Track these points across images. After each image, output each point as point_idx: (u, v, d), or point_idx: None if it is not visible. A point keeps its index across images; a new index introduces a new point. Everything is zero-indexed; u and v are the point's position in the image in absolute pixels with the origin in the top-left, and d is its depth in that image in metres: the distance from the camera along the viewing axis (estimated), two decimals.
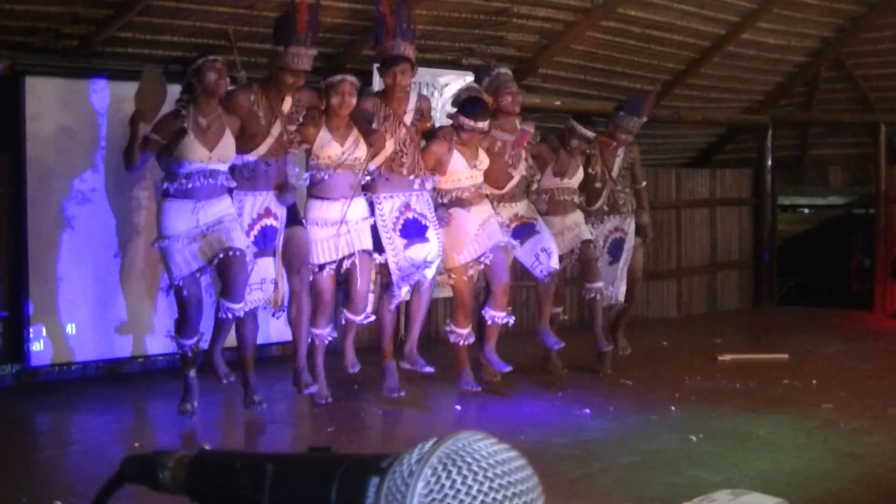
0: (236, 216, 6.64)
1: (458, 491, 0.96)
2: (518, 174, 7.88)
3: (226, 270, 6.48)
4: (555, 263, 7.85)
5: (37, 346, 7.71)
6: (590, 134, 8.16)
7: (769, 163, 13.27)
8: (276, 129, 6.77)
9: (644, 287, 10.57)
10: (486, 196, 7.72)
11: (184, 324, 6.65)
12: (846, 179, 13.40)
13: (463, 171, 7.48)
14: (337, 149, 7.01)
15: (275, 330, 8.26)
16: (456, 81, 9.60)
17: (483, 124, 7.34)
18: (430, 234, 7.33)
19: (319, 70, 9.11)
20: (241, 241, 6.55)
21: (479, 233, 7.48)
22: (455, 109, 7.50)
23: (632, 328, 8.78)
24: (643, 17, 10.13)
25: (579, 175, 8.27)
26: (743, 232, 13.32)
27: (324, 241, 7.03)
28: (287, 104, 6.85)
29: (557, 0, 9.49)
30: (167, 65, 8.21)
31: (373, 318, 7.35)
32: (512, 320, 7.73)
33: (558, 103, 10.61)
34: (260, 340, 7.38)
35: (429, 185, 7.41)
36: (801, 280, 14.84)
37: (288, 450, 6.36)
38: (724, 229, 13.09)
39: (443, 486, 0.97)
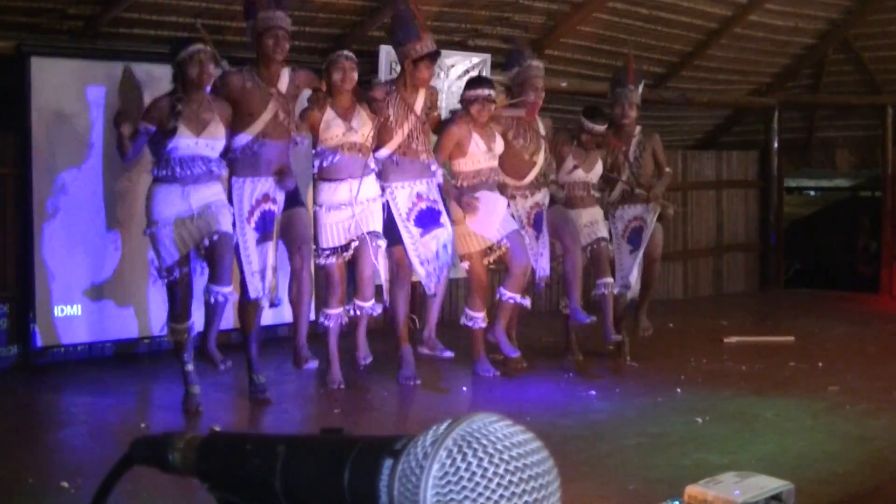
0: (225, 201, 6.62)
1: (474, 473, 0.95)
2: (540, 162, 7.86)
3: (212, 254, 6.46)
4: (543, 272, 7.95)
5: (42, 328, 7.71)
6: (598, 127, 8.04)
7: (776, 145, 13.24)
8: (271, 107, 6.76)
9: None
10: (507, 186, 7.78)
11: (175, 308, 6.63)
12: (853, 162, 13.39)
13: (482, 154, 7.51)
14: (341, 127, 7.04)
15: (281, 311, 8.24)
16: (462, 62, 9.58)
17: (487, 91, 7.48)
18: (444, 218, 7.44)
19: (325, 51, 9.10)
20: (228, 224, 6.53)
21: (495, 220, 7.53)
22: (465, 91, 7.62)
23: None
24: None
25: (598, 169, 8.22)
26: (749, 214, 13.31)
27: (334, 225, 7.07)
28: (283, 82, 6.86)
29: None
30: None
31: (379, 308, 7.40)
32: (528, 303, 7.78)
33: (565, 85, 10.57)
34: (268, 322, 7.39)
35: (438, 176, 7.44)
36: (808, 262, 14.83)
37: (294, 431, 6.36)
38: (731, 211, 13.08)
39: (458, 468, 0.96)
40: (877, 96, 12.49)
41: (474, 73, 9.55)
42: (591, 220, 8.23)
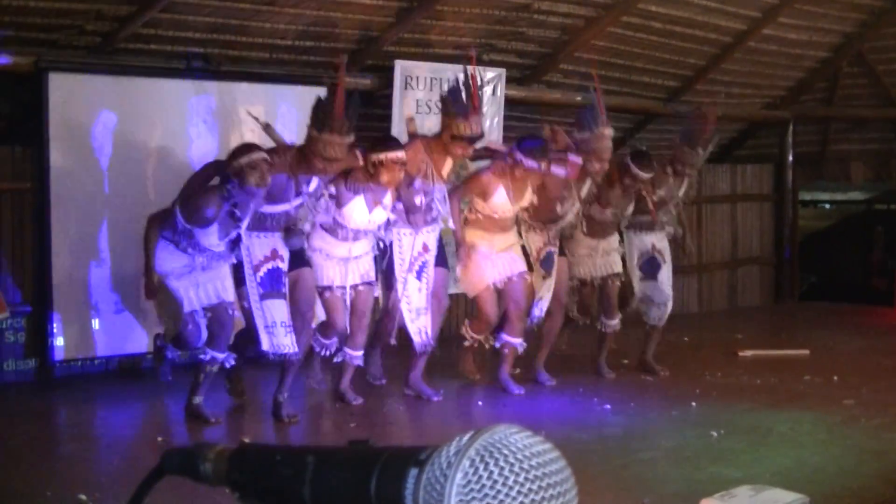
0: (226, 258, 6.63)
1: (496, 482, 0.99)
2: (568, 217, 7.81)
3: (214, 321, 6.57)
4: (539, 312, 7.83)
5: (60, 341, 7.77)
6: (645, 176, 7.92)
7: (790, 158, 13.24)
8: (297, 201, 6.73)
9: None
10: (523, 222, 7.76)
11: (183, 346, 6.85)
12: (867, 175, 13.36)
13: (502, 205, 7.45)
14: (365, 217, 6.97)
15: None
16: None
17: (536, 164, 7.26)
18: (431, 269, 7.43)
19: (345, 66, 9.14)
20: (231, 291, 6.61)
21: (497, 259, 7.52)
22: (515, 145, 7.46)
23: None
24: (664, 12, 10.12)
25: (627, 208, 8.18)
26: (764, 228, 13.30)
27: (330, 267, 7.04)
28: (314, 183, 6.76)
29: None
30: (189, 61, 8.25)
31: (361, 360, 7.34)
32: (524, 347, 7.73)
33: (579, 99, 10.59)
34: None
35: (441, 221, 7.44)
36: (822, 276, 14.80)
37: (310, 444, 6.39)
38: (745, 225, 13.08)
39: (480, 476, 0.99)
40: (891, 109, 12.47)
41: (489, 88, 9.56)
42: (608, 249, 8.21)
